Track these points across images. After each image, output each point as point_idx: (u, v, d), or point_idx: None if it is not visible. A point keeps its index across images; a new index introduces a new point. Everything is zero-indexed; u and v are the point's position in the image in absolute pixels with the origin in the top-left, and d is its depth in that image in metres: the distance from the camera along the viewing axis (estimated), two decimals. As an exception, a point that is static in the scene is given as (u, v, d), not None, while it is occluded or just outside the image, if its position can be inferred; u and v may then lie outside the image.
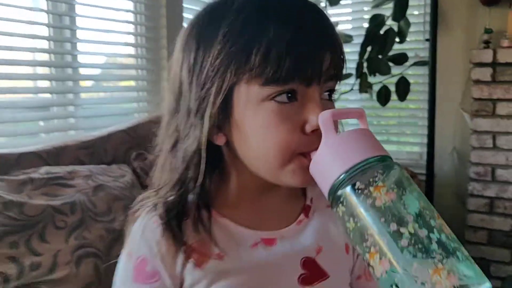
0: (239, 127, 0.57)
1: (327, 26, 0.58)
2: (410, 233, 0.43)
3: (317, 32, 0.56)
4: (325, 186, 0.49)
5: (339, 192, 0.47)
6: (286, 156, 0.55)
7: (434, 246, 0.43)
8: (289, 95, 0.55)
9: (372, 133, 0.52)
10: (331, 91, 0.59)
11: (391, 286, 0.44)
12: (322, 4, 2.45)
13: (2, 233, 1.06)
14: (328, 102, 0.59)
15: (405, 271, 0.43)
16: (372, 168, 0.47)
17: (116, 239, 1.20)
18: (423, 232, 0.44)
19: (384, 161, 0.48)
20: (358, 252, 0.47)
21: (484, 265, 2.32)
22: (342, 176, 0.47)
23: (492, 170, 2.29)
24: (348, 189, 0.47)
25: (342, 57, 0.59)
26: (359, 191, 0.46)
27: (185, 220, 0.60)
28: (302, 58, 0.53)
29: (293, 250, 0.63)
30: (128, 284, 0.62)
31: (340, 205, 0.47)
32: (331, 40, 0.57)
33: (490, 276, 2.29)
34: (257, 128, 0.55)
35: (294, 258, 0.63)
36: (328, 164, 0.49)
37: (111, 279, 1.14)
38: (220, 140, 0.59)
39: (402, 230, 0.44)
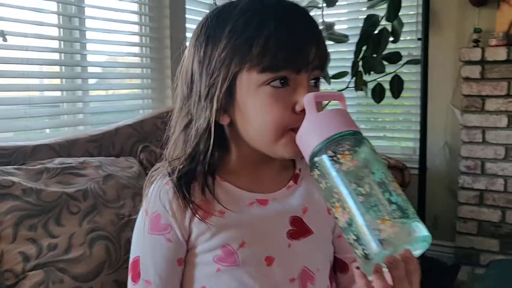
0: (241, 108, 0.69)
1: (314, 26, 0.70)
2: (366, 191, 0.55)
3: (306, 30, 0.68)
4: (306, 155, 0.61)
5: (316, 159, 0.59)
6: (280, 131, 0.67)
7: (385, 202, 0.54)
8: (282, 81, 0.66)
9: (347, 113, 0.64)
10: (317, 79, 0.71)
11: (350, 232, 0.55)
12: (319, 5, 2.54)
13: (22, 217, 1.16)
14: (314, 88, 0.70)
15: (360, 220, 0.54)
16: (342, 139, 0.58)
17: (125, 223, 1.30)
18: (376, 191, 0.55)
19: (353, 135, 0.59)
20: (328, 207, 0.59)
21: (474, 254, 2.42)
22: (319, 146, 0.59)
23: (482, 164, 2.38)
24: (322, 156, 0.58)
25: (325, 51, 0.71)
26: (330, 158, 0.57)
27: (193, 183, 0.72)
28: (294, 50, 0.65)
29: (283, 209, 0.75)
30: (144, 235, 0.73)
31: (316, 169, 0.59)
32: (317, 37, 0.69)
33: (479, 265, 2.39)
34: (256, 108, 0.67)
35: (283, 216, 0.75)
36: (308, 136, 0.61)
37: (121, 260, 1.25)
38: (225, 120, 0.70)
39: (360, 189, 0.55)
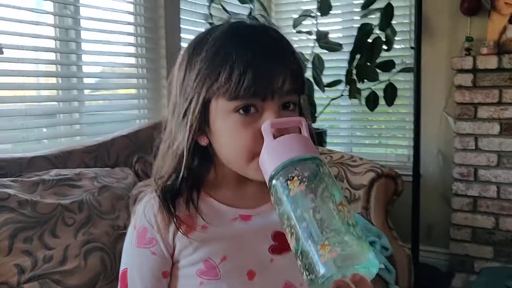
0: (214, 133, 0.73)
1: (284, 49, 0.72)
2: (309, 216, 0.56)
3: (273, 56, 0.70)
4: (266, 180, 0.63)
5: (271, 185, 0.62)
6: (249, 156, 0.69)
7: (326, 228, 0.55)
8: (250, 108, 0.69)
9: (304, 138, 0.66)
10: (293, 103, 0.72)
11: (298, 257, 0.57)
12: (313, 14, 2.57)
13: (17, 229, 1.18)
14: (288, 113, 0.71)
15: (304, 246, 0.56)
16: (292, 165, 0.60)
17: (120, 234, 1.32)
18: (320, 216, 0.56)
19: (304, 160, 0.61)
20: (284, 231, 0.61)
21: (468, 261, 2.44)
22: (272, 172, 0.61)
23: (475, 171, 2.40)
24: (274, 182, 0.61)
25: (298, 75, 0.72)
26: (280, 184, 0.60)
27: (178, 198, 0.75)
28: (257, 78, 0.67)
29: (266, 224, 0.77)
30: (132, 248, 0.77)
31: (271, 195, 0.62)
32: (287, 61, 0.71)
33: (474, 272, 2.41)
34: (226, 134, 0.71)
35: (266, 231, 0.77)
36: (266, 163, 0.64)
37: (116, 271, 1.26)
38: (203, 141, 0.74)
39: (304, 214, 0.57)
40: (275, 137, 0.65)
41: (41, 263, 1.17)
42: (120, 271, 0.79)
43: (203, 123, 0.72)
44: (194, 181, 0.75)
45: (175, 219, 0.73)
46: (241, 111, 0.69)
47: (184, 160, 0.73)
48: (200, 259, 0.74)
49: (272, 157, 0.62)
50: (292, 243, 0.58)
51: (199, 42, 0.73)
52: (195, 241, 0.74)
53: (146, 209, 0.76)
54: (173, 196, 0.75)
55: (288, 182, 0.59)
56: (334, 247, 0.54)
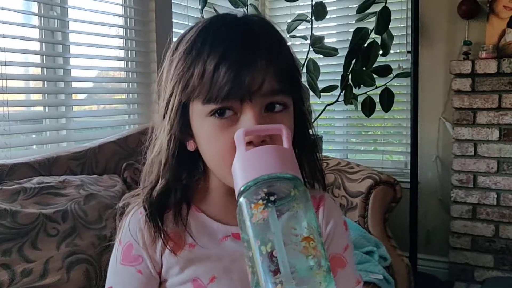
0: (195, 137, 0.66)
1: (268, 42, 0.63)
2: (266, 251, 0.48)
3: (252, 50, 0.60)
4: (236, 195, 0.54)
5: (238, 202, 0.52)
6: (228, 162, 0.58)
7: (282, 267, 0.47)
8: (226, 110, 0.61)
9: (282, 150, 0.55)
10: (280, 104, 0.62)
11: None
12: (308, 19, 2.52)
13: (-4, 241, 1.11)
14: (274, 115, 0.62)
15: (260, 282, 0.48)
16: (259, 185, 0.51)
17: (107, 245, 1.25)
18: (276, 253, 0.48)
19: (275, 179, 0.51)
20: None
21: (468, 270, 2.38)
22: (241, 188, 0.52)
23: (474, 177, 2.35)
24: (241, 200, 0.52)
25: (287, 71, 0.63)
26: (245, 206, 0.51)
27: (167, 212, 0.69)
28: (232, 76, 0.59)
29: None
30: (116, 266, 0.71)
31: (237, 214, 0.52)
32: (270, 56, 0.61)
33: (474, 281, 2.35)
34: (204, 138, 0.64)
35: None
36: (236, 176, 0.54)
37: (101, 285, 1.19)
38: (190, 146, 0.67)
39: (262, 247, 0.48)
40: (252, 145, 0.57)
41: (19, 277, 1.10)
42: None
43: (184, 125, 0.65)
44: (183, 192, 0.69)
45: (162, 235, 0.67)
46: (216, 114, 0.61)
47: (167, 167, 0.66)
48: (188, 279, 0.68)
49: (242, 171, 0.53)
50: (249, 276, 0.50)
51: (180, 39, 0.67)
52: (182, 260, 0.68)
53: (131, 224, 0.70)
54: (160, 209, 0.68)
55: (252, 205, 0.50)
56: None
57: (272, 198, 0.50)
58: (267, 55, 0.61)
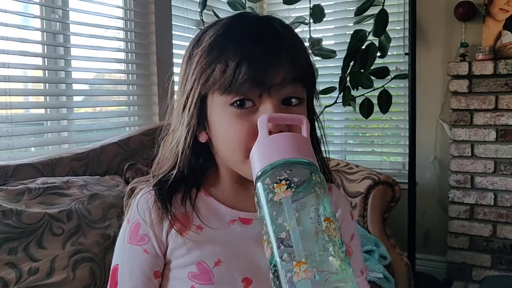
0: (211, 127, 0.69)
1: (288, 41, 0.66)
2: (290, 227, 0.50)
3: (273, 47, 0.64)
4: (253, 179, 0.57)
5: (256, 185, 0.55)
6: (245, 152, 0.62)
7: (305, 243, 0.49)
8: (246, 101, 0.64)
9: (302, 138, 0.58)
10: (296, 98, 0.66)
11: (272, 269, 0.51)
12: (306, 21, 2.55)
13: (1, 240, 1.12)
14: (291, 109, 0.66)
15: (277, 258, 0.49)
16: (282, 167, 0.53)
17: (112, 244, 1.26)
18: (301, 229, 0.49)
19: (297, 163, 0.54)
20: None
21: (466, 269, 2.40)
22: (261, 171, 0.54)
23: (471, 178, 2.38)
24: (259, 183, 0.54)
25: (304, 68, 0.67)
26: (266, 186, 0.52)
27: (176, 195, 0.71)
28: (254, 71, 0.62)
29: None
30: (123, 244, 0.73)
31: (255, 196, 0.55)
32: (289, 53, 0.65)
33: (472, 281, 2.37)
34: (223, 128, 0.66)
35: None
36: (256, 160, 0.57)
37: (106, 282, 1.20)
38: (202, 138, 0.70)
39: (285, 224, 0.50)
40: (271, 133, 0.60)
41: (26, 275, 1.11)
42: (112, 267, 0.75)
43: (201, 118, 0.68)
44: (194, 178, 0.72)
45: (170, 216, 0.69)
46: (236, 104, 0.64)
47: (183, 157, 0.69)
48: (193, 261, 0.69)
49: (263, 155, 0.56)
50: (267, 252, 0.52)
51: (201, 35, 0.70)
52: (188, 241, 0.69)
53: (140, 203, 0.72)
54: (170, 192, 0.70)
55: (275, 184, 0.52)
56: (311, 267, 0.48)
57: (295, 179, 0.52)
58: (287, 53, 0.64)
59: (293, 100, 0.66)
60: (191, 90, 0.68)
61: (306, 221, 0.50)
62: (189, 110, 0.68)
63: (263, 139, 0.58)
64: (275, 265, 0.50)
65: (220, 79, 0.64)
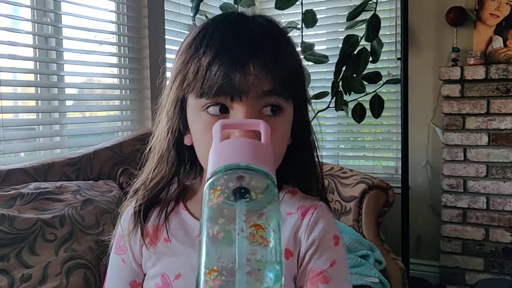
0: (190, 131, 0.67)
1: (266, 41, 0.62)
2: (213, 234, 0.48)
3: (247, 47, 0.60)
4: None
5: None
6: None
7: (225, 252, 0.47)
8: (219, 107, 0.61)
9: (255, 143, 0.55)
10: (275, 106, 0.62)
11: (195, 274, 0.49)
12: (299, 26, 2.55)
13: (-7, 246, 1.10)
14: (267, 117, 0.61)
15: (199, 263, 0.48)
16: (222, 173, 0.51)
17: (105, 250, 1.24)
18: (221, 236, 0.48)
19: (237, 169, 0.51)
20: None
21: (459, 273, 2.40)
22: (207, 178, 0.52)
23: (464, 182, 2.39)
24: (205, 188, 0.52)
25: (285, 72, 0.62)
26: (207, 192, 0.51)
27: (154, 208, 0.72)
28: (221, 77, 0.59)
29: None
30: (112, 254, 0.77)
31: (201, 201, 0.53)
32: (267, 54, 0.61)
33: (465, 284, 2.38)
34: (197, 133, 0.65)
35: None
36: (208, 167, 0.55)
37: (100, 289, 1.18)
38: (187, 140, 0.68)
39: (209, 231, 0.49)
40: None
41: (18, 282, 1.09)
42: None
43: (183, 120, 0.67)
44: (176, 190, 0.72)
45: (141, 229, 0.71)
46: (210, 109, 0.62)
47: (164, 160, 0.69)
48: (157, 273, 0.71)
49: (212, 161, 0.54)
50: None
51: (186, 37, 0.68)
52: (156, 253, 0.71)
53: (125, 214, 0.75)
54: (148, 206, 0.72)
55: (211, 190, 0.51)
56: (220, 275, 0.46)
57: (230, 184, 0.50)
58: (263, 57, 0.60)
59: (269, 108, 0.62)
60: (169, 92, 0.67)
61: (230, 228, 0.48)
62: (167, 110, 0.68)
63: (214, 145, 0.55)
64: (198, 273, 0.48)
65: (193, 79, 0.62)
